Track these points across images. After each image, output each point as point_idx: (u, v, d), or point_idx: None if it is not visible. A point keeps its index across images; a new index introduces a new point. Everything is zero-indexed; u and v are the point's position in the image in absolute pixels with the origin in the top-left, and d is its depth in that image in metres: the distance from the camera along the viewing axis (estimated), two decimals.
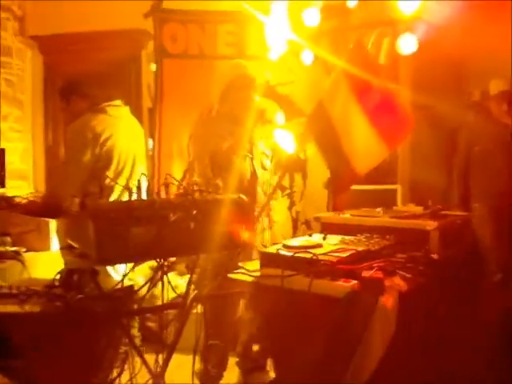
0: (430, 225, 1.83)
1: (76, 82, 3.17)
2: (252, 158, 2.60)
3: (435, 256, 1.75)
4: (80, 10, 3.76)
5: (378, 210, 2.15)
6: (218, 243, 1.53)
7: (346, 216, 2.15)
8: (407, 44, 2.97)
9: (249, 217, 1.69)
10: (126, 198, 2.93)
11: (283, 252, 1.61)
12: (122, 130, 3.02)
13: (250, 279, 1.58)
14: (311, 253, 1.47)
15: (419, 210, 2.37)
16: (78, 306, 1.35)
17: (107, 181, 2.90)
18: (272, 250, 1.71)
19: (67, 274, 1.64)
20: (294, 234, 3.73)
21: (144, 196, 3.08)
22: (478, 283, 2.13)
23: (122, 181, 2.96)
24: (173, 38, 3.76)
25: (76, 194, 2.89)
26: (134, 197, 3.09)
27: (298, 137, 3.63)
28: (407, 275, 1.54)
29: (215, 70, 3.76)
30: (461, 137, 3.70)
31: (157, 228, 1.45)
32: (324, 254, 1.51)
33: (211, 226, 1.50)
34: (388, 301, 1.29)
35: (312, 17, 3.31)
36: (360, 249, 1.58)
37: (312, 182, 3.56)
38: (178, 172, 3.76)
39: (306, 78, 3.59)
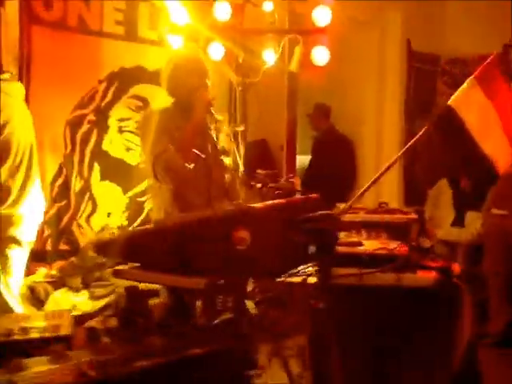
0: (411, 218, 2.16)
1: None
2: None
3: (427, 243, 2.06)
4: None
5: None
6: None
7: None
8: (321, 56, 3.29)
9: None
10: (24, 200, 2.37)
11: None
12: (17, 114, 2.39)
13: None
14: (388, 249, 1.58)
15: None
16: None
17: (2, 180, 2.28)
18: None
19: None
20: None
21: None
22: None
23: (19, 179, 2.37)
24: (46, 4, 3.09)
25: None
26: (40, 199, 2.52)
27: None
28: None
29: (101, 50, 3.30)
30: None
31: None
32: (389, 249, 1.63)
33: None
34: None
35: (222, 11, 3.29)
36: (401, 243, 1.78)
37: None
38: (51, 166, 3.15)
39: None
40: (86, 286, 2.95)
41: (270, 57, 3.16)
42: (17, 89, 2.35)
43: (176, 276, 1.24)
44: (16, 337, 1.23)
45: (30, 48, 2.96)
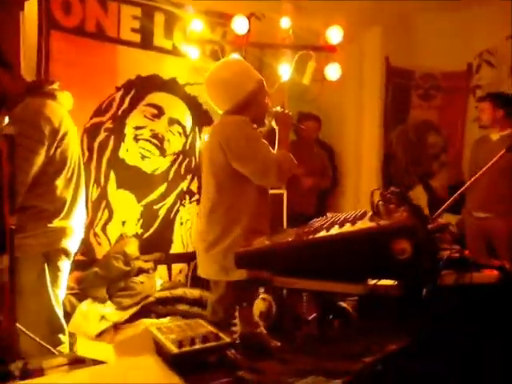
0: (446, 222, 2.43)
1: None
2: None
3: None
4: None
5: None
6: None
7: None
8: (334, 71, 3.48)
9: None
10: (75, 212, 2.31)
11: None
12: (70, 124, 2.36)
13: None
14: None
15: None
16: None
17: (58, 191, 2.23)
18: None
19: None
20: None
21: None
22: None
23: (71, 191, 2.32)
24: (65, 8, 2.98)
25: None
26: (80, 212, 2.42)
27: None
28: None
29: (118, 57, 3.24)
30: None
31: None
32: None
33: None
34: None
35: (241, 25, 3.38)
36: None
37: None
38: None
39: None
40: (110, 296, 2.93)
41: (285, 71, 3.31)
42: (67, 98, 2.31)
43: (332, 282, 1.38)
44: (198, 346, 1.29)
45: (48, 53, 2.89)
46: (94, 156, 3.07)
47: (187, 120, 3.46)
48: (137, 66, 3.23)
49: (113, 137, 3.14)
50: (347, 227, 1.47)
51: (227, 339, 1.35)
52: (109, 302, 2.85)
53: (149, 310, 2.95)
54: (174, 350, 1.27)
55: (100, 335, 2.73)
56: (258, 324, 1.43)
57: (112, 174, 3.14)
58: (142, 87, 3.24)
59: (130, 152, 3.21)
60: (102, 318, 2.75)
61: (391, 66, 4.68)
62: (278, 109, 2.28)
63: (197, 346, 1.29)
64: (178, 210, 3.44)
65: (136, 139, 3.24)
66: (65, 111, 2.25)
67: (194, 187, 3.50)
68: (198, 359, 1.28)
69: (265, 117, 2.26)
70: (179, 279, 3.43)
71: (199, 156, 3.53)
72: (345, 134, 4.82)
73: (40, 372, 1.25)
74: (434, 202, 4.59)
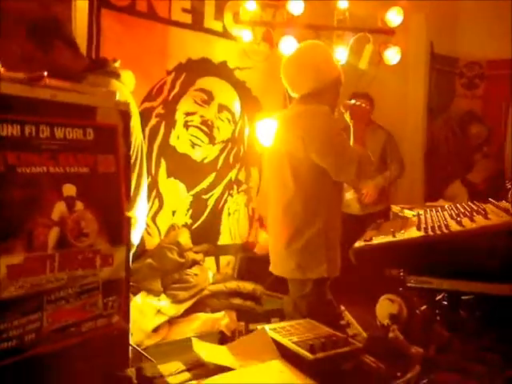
0: None
1: (59, 22, 2.12)
2: None
3: None
4: None
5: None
6: None
7: None
8: (393, 55, 3.31)
9: None
10: (138, 201, 2.15)
11: None
12: (134, 106, 2.20)
13: None
14: None
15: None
16: None
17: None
18: None
19: None
20: (250, 231, 3.53)
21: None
22: None
23: (134, 178, 2.15)
24: None
25: None
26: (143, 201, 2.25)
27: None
28: None
29: (169, 39, 3.09)
30: None
31: None
32: None
33: None
34: None
35: (296, 5, 3.21)
36: None
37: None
38: None
39: (262, 66, 3.38)
40: (164, 288, 2.79)
41: (341, 54, 3.14)
42: (129, 78, 2.14)
43: (476, 282, 1.23)
44: (332, 352, 1.16)
45: (98, 32, 2.73)
46: (146, 143, 2.91)
47: (236, 106, 3.30)
48: (187, 49, 3.07)
49: (164, 123, 2.99)
50: (481, 220, 1.32)
51: (359, 344, 1.21)
52: (163, 295, 2.71)
53: (203, 303, 2.82)
54: (309, 355, 1.13)
55: (156, 330, 2.61)
56: (385, 327, 1.29)
57: (163, 162, 2.99)
58: (192, 71, 3.09)
59: (181, 139, 3.07)
60: (158, 311, 2.62)
61: (435, 53, 4.49)
62: (353, 102, 2.14)
63: (331, 352, 1.16)
64: (226, 201, 3.29)
65: (186, 126, 3.09)
66: (128, 92, 2.09)
67: (241, 177, 3.35)
68: (335, 366, 1.14)
69: (336, 107, 2.13)
70: (226, 271, 3.29)
71: (247, 144, 3.39)
72: (387, 121, 4.63)
73: (161, 379, 1.11)
74: (476, 196, 4.41)
